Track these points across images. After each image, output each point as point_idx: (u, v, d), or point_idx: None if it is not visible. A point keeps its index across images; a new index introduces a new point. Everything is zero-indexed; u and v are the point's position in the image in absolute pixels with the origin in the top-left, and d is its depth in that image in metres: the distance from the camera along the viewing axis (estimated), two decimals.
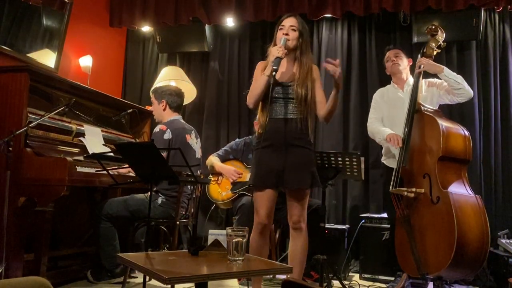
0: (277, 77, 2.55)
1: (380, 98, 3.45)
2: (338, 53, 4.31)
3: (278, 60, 2.46)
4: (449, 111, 3.72)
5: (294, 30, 2.57)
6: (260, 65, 2.66)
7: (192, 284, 1.95)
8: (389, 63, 3.42)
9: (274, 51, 2.48)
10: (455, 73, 3.18)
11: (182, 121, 3.45)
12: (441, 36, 3.17)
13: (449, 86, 3.16)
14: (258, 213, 2.56)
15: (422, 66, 3.14)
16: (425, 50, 3.20)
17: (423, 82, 3.29)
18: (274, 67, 2.44)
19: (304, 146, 2.55)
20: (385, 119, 3.38)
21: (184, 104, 4.36)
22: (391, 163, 3.25)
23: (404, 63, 3.38)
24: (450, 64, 4.04)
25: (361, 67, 4.28)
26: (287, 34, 2.55)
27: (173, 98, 3.36)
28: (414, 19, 3.99)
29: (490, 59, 3.97)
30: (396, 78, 3.40)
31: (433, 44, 3.18)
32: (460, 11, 3.78)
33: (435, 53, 3.20)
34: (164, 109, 3.35)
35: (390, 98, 3.39)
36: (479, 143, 3.86)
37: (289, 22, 2.58)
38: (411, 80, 3.33)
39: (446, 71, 3.13)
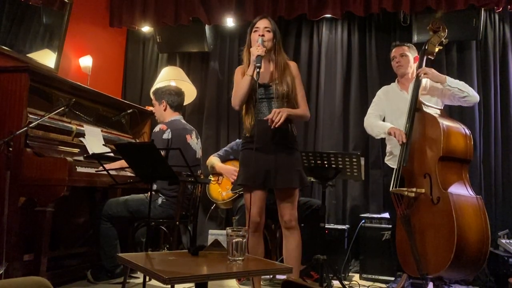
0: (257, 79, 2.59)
1: (384, 95, 3.40)
2: (338, 53, 4.32)
3: (260, 58, 2.50)
4: (449, 111, 3.72)
5: (269, 31, 2.62)
6: (239, 69, 2.70)
7: (192, 284, 1.95)
8: (393, 63, 3.35)
9: (254, 50, 2.53)
10: (457, 81, 3.13)
11: (183, 121, 3.45)
12: (443, 33, 3.13)
13: (453, 94, 3.12)
14: (249, 212, 2.59)
15: (424, 75, 3.07)
16: (427, 47, 3.15)
17: (427, 81, 3.26)
18: (258, 65, 2.47)
19: (290, 146, 2.60)
20: (388, 119, 3.34)
21: (184, 104, 4.37)
22: (394, 164, 3.20)
23: (410, 62, 3.29)
24: (450, 64, 4.04)
25: (361, 67, 4.27)
26: (262, 35, 2.59)
27: (173, 97, 3.36)
28: (414, 19, 3.99)
29: (490, 59, 3.96)
30: (402, 78, 3.35)
31: (435, 41, 3.14)
32: (460, 11, 3.77)
33: (436, 49, 3.17)
34: (165, 109, 3.36)
35: (394, 98, 3.33)
36: (479, 143, 3.86)
37: (263, 24, 2.63)
38: None
39: (449, 80, 3.08)
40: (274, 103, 2.59)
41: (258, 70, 2.48)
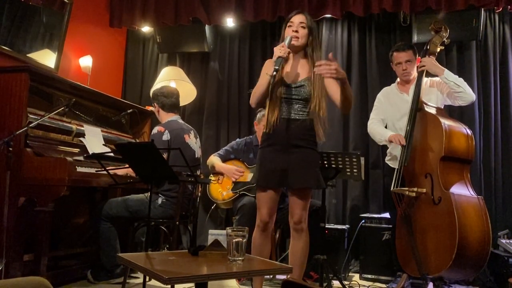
0: (284, 77, 2.53)
1: (384, 97, 3.40)
2: (338, 53, 4.31)
3: (280, 59, 2.41)
4: (449, 111, 3.71)
5: (304, 27, 2.50)
6: (268, 63, 2.60)
7: (192, 284, 1.95)
8: (398, 68, 3.27)
9: (277, 51, 2.44)
10: (456, 76, 3.13)
11: (180, 121, 3.44)
12: (445, 33, 3.13)
13: (449, 89, 3.13)
14: (260, 211, 2.56)
15: (424, 65, 3.10)
16: (428, 47, 3.15)
17: (427, 81, 3.26)
18: (276, 67, 2.38)
19: (308, 146, 2.52)
20: (389, 121, 3.34)
21: (184, 104, 4.37)
22: (395, 164, 3.21)
23: (414, 68, 3.26)
24: (450, 64, 4.04)
25: (361, 67, 4.27)
26: (296, 31, 2.50)
27: (163, 99, 3.37)
28: (414, 19, 3.99)
29: (490, 59, 3.96)
30: (403, 81, 3.33)
31: (437, 41, 3.14)
32: (460, 12, 3.77)
33: (438, 49, 3.17)
34: (159, 112, 3.39)
35: (394, 101, 3.33)
36: (479, 143, 3.86)
37: (298, 19, 2.51)
38: None
39: (447, 73, 3.09)
40: (296, 104, 2.50)
41: (275, 73, 2.38)
